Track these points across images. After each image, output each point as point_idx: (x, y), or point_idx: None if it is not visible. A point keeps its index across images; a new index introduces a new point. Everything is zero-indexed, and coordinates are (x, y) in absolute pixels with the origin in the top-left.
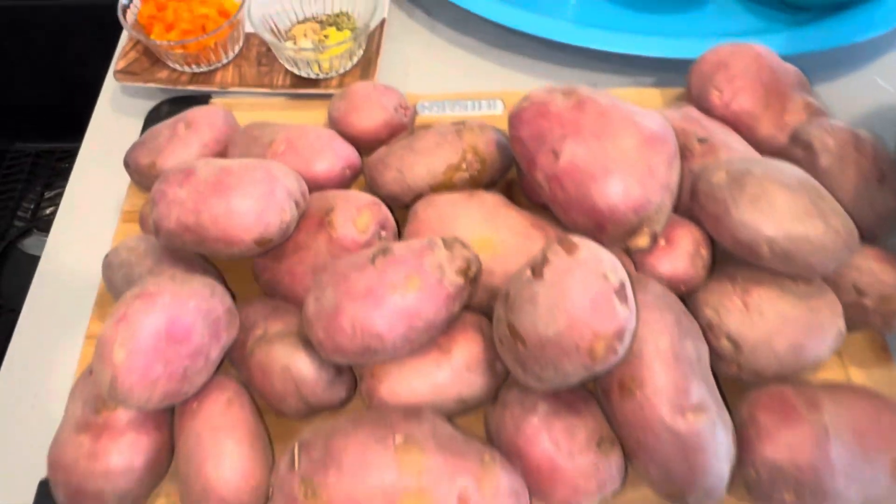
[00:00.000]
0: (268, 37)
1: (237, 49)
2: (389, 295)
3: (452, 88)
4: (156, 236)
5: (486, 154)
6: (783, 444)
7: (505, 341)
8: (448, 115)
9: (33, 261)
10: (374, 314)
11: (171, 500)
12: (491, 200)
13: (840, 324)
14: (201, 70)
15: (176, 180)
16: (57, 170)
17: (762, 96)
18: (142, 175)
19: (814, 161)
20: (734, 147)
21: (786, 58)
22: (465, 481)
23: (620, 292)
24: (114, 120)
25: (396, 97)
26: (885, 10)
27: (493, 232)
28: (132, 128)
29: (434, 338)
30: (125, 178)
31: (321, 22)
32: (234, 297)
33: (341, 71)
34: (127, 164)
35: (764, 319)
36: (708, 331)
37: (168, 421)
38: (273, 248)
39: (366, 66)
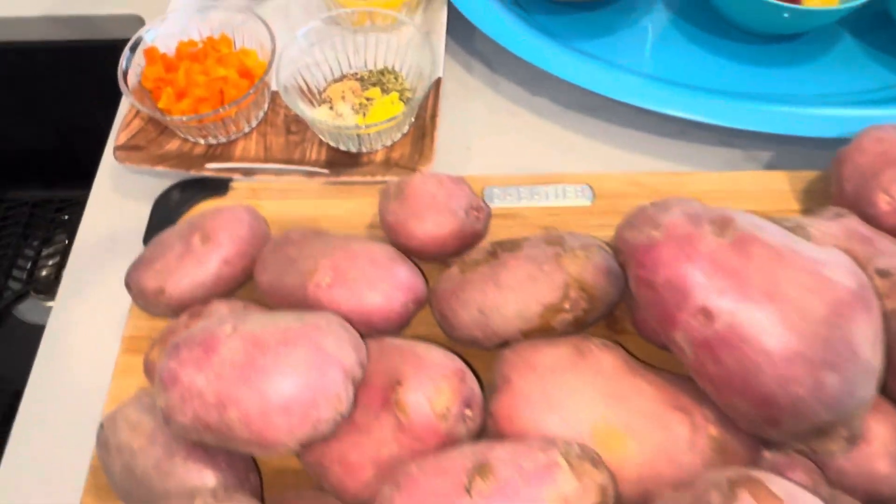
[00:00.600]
0: (300, 108)
1: (261, 115)
2: None
3: (525, 164)
4: (165, 424)
5: (595, 289)
6: None
7: None
8: (525, 205)
9: (30, 330)
10: None
11: None
12: (610, 364)
13: None
14: (219, 141)
15: (192, 359)
16: (56, 221)
17: None
18: (147, 301)
19: None
20: None
21: None
22: None
23: None
24: (115, 204)
25: (466, 195)
26: None
27: (620, 416)
28: (136, 215)
29: None
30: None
31: (362, 79)
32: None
33: (388, 143)
34: (129, 287)
35: None
36: None
37: None
38: None
39: (418, 137)
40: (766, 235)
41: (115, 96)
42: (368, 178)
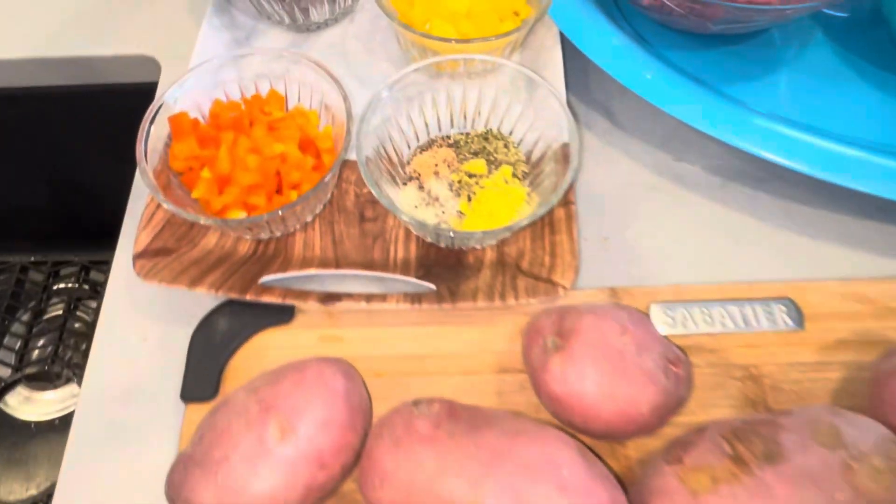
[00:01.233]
0: (384, 194)
1: (328, 198)
2: None
3: (683, 263)
4: None
5: None
6: None
7: None
8: (705, 332)
9: (20, 429)
10: None
11: None
12: None
13: None
14: (273, 236)
15: None
16: (49, 291)
17: None
18: None
19: None
20: None
21: None
22: None
23: None
24: (134, 330)
25: (659, 344)
26: None
27: None
28: (167, 347)
29: None
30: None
31: (457, 145)
32: None
33: (504, 236)
34: (172, 500)
35: None
36: None
37: None
38: None
39: (542, 227)
40: None
41: (118, 147)
42: (491, 305)
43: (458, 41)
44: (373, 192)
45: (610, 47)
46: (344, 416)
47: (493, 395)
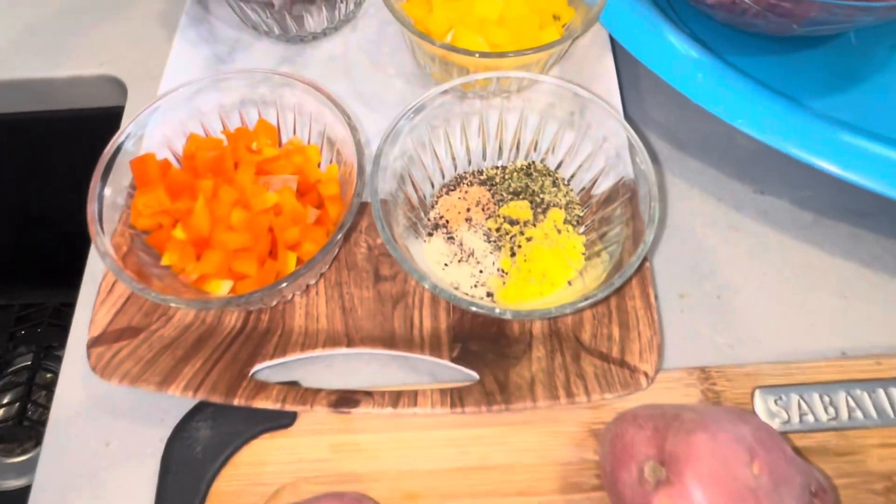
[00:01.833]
0: (407, 264)
1: (335, 252)
2: None
3: (780, 324)
4: None
5: None
6: None
7: None
8: (828, 426)
9: None
10: None
11: None
12: None
13: None
14: (267, 306)
15: None
16: (16, 339)
17: None
18: None
19: None
20: None
21: None
22: None
23: None
24: (90, 429)
25: (797, 470)
26: None
27: None
28: (134, 460)
29: None
30: None
31: (491, 182)
32: None
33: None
34: None
35: None
36: None
37: None
38: None
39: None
40: None
41: (86, 179)
42: (555, 404)
43: (489, 55)
44: (390, 250)
45: (675, 56)
46: None
47: None
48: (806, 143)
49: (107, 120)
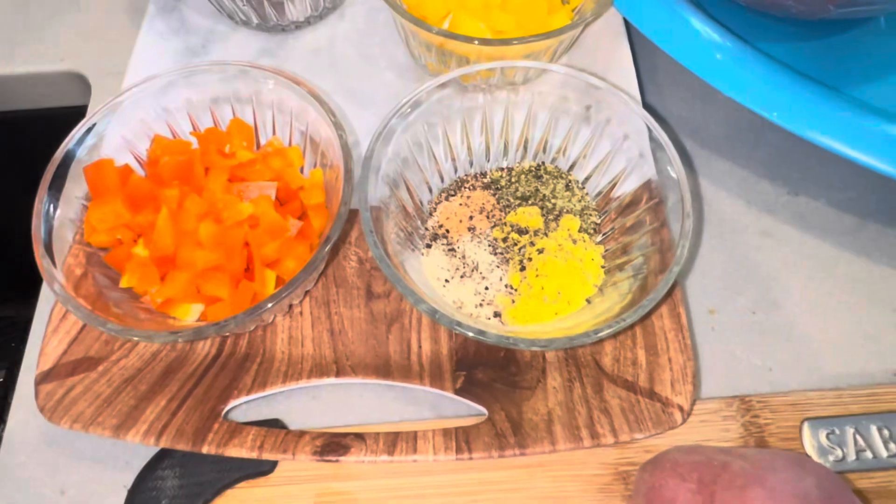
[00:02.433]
0: (401, 286)
1: (318, 274)
2: None
3: (831, 348)
4: None
5: None
6: None
7: None
8: (890, 465)
9: None
10: None
11: None
12: None
13: None
14: (244, 329)
15: None
16: None
17: None
18: None
19: None
20: None
21: None
22: None
23: None
24: (43, 476)
25: None
26: None
27: None
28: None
29: None
30: None
31: (495, 186)
32: None
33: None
34: None
35: None
36: None
37: None
38: None
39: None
40: None
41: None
42: (578, 447)
43: (491, 42)
44: (383, 268)
45: (700, 43)
46: None
47: None
48: (854, 138)
49: (72, 120)
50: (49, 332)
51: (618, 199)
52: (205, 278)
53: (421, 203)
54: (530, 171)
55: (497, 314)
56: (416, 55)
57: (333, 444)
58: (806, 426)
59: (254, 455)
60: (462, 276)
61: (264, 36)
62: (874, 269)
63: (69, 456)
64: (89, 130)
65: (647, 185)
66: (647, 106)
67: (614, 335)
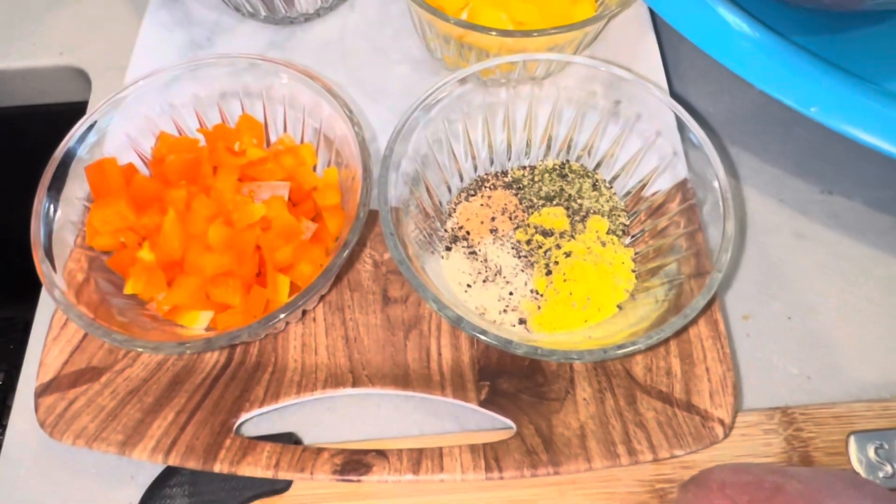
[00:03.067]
0: (424, 290)
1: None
2: None
3: (870, 354)
4: None
5: None
6: None
7: None
8: None
9: None
10: None
11: None
12: None
13: None
14: (256, 338)
15: None
16: None
17: None
18: None
19: None
20: None
21: None
22: None
23: None
24: (44, 492)
25: None
26: None
27: None
28: None
29: None
30: None
31: (518, 185)
32: None
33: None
34: None
35: None
36: None
37: None
38: None
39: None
40: None
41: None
42: (614, 464)
43: (513, 34)
44: (406, 274)
45: (732, 34)
46: None
47: None
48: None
49: (72, 116)
50: (49, 341)
51: (649, 200)
52: (214, 284)
53: (440, 203)
54: (554, 169)
55: (522, 321)
56: (432, 48)
57: (354, 463)
58: (852, 440)
59: (269, 474)
60: (485, 281)
61: (272, 28)
62: None
63: (71, 471)
64: (91, 128)
65: (680, 186)
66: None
67: (649, 348)
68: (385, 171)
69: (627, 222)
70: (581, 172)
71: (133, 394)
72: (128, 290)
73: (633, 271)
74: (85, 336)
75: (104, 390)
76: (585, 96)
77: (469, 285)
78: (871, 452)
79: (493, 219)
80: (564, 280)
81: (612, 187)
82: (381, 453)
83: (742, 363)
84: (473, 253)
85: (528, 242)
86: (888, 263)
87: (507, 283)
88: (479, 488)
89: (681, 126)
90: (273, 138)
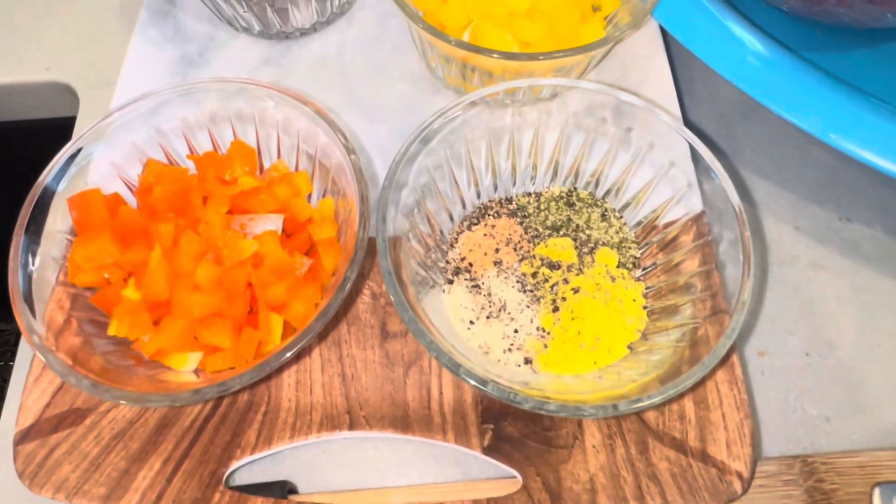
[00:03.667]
0: (426, 340)
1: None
2: None
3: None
4: None
5: None
6: None
7: None
8: None
9: None
10: None
11: None
12: None
13: None
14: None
15: None
16: None
17: None
18: None
19: None
20: None
21: None
22: None
23: None
24: None
25: None
26: None
27: None
28: None
29: None
30: None
31: (522, 213)
32: None
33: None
34: None
35: None
36: None
37: None
38: None
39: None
40: None
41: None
42: None
43: (518, 56)
44: (399, 310)
45: (748, 56)
46: None
47: None
48: None
49: (59, 131)
50: (29, 384)
51: (661, 232)
52: (203, 326)
53: (441, 233)
54: (561, 197)
55: (528, 360)
56: (432, 67)
57: None
58: (877, 493)
59: None
60: (488, 317)
61: (267, 43)
62: None
63: None
64: (73, 157)
65: (695, 219)
66: (686, 123)
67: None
68: (384, 205)
69: (638, 254)
70: (589, 201)
71: (118, 438)
72: (111, 331)
73: (645, 308)
74: (58, 391)
75: (88, 434)
76: (595, 123)
77: (472, 322)
78: None
79: (497, 250)
80: (573, 318)
81: (621, 217)
82: None
83: (758, 403)
84: (477, 286)
85: (534, 275)
86: None
87: (512, 319)
88: None
89: (695, 156)
90: (266, 164)
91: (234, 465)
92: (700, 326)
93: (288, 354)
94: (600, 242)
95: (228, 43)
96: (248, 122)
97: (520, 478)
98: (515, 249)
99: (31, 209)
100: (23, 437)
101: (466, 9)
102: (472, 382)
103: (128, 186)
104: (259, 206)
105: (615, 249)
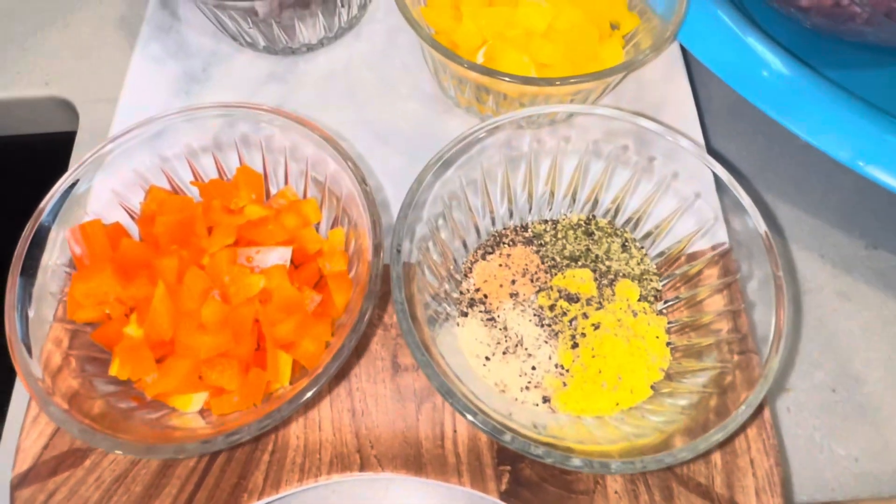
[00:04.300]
0: (435, 374)
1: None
2: None
3: None
4: None
5: None
6: None
7: None
8: None
9: None
10: None
11: None
12: None
13: None
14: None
15: None
16: None
17: None
18: None
19: None
20: None
21: None
22: None
23: None
24: None
25: None
26: None
27: None
28: None
29: None
30: None
31: (539, 241)
32: None
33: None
34: None
35: None
36: None
37: None
38: None
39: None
40: None
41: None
42: None
43: (534, 81)
44: (412, 350)
45: (776, 81)
46: None
47: None
48: None
49: (59, 147)
50: (27, 425)
51: (684, 265)
52: (209, 366)
53: (455, 262)
54: (579, 225)
55: (546, 399)
56: (444, 87)
57: None
58: None
59: None
60: (504, 353)
61: (272, 58)
62: None
63: None
64: (71, 188)
65: (721, 255)
66: (707, 148)
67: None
68: (399, 238)
69: (660, 287)
70: (608, 230)
71: (119, 481)
72: (113, 371)
73: (669, 344)
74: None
75: (88, 477)
76: (616, 151)
77: (488, 357)
78: None
79: (513, 281)
80: (593, 356)
81: (642, 248)
82: None
83: (784, 440)
84: (492, 319)
85: (552, 308)
86: None
87: (530, 355)
88: None
89: (720, 186)
90: (273, 190)
91: None
92: (728, 373)
93: (301, 400)
94: (621, 274)
95: (232, 58)
96: (255, 148)
97: None
98: (532, 280)
99: (27, 245)
100: (20, 482)
101: (481, 28)
102: (493, 436)
103: (129, 214)
104: (266, 237)
105: (636, 282)
